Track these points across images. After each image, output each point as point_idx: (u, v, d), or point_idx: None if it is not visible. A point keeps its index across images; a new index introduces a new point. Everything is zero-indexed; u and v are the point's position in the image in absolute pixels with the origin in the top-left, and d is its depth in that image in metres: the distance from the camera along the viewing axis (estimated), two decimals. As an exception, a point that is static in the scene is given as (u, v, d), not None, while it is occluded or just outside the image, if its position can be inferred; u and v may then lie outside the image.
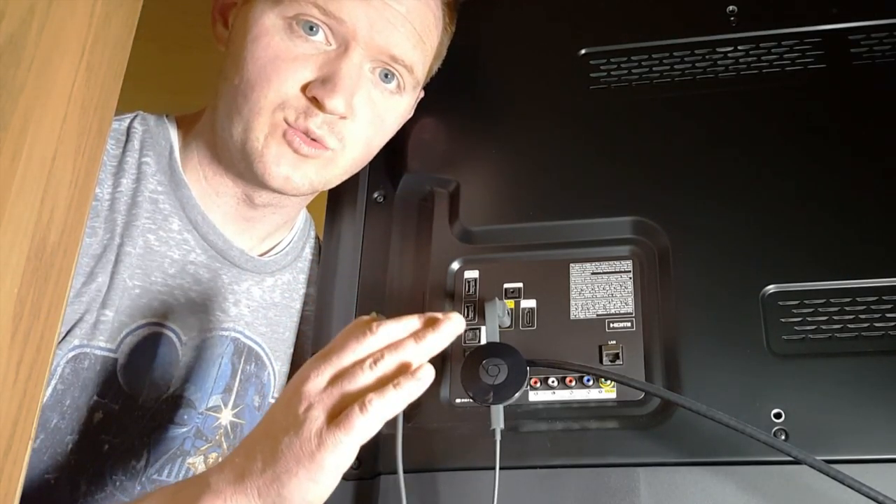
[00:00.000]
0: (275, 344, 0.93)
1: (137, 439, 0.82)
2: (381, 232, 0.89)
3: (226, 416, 0.88)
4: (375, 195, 0.91)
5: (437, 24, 0.86)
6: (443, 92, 0.94)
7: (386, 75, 0.82)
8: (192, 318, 0.84)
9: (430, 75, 0.90)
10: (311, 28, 0.78)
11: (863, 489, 0.64)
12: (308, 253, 0.98)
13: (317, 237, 1.01)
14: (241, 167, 0.83)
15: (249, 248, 0.90)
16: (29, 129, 0.58)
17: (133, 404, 0.80)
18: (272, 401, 0.92)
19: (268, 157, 0.79)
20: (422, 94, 0.91)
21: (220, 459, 0.86)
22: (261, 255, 0.91)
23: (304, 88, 0.78)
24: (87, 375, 0.77)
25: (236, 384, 0.88)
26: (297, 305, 0.95)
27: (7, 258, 0.55)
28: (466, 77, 0.94)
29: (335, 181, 0.86)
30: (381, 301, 0.86)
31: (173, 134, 0.87)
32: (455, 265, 0.84)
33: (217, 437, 0.88)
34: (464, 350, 0.80)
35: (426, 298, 0.84)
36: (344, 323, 0.86)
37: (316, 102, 0.78)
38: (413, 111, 0.90)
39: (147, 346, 0.81)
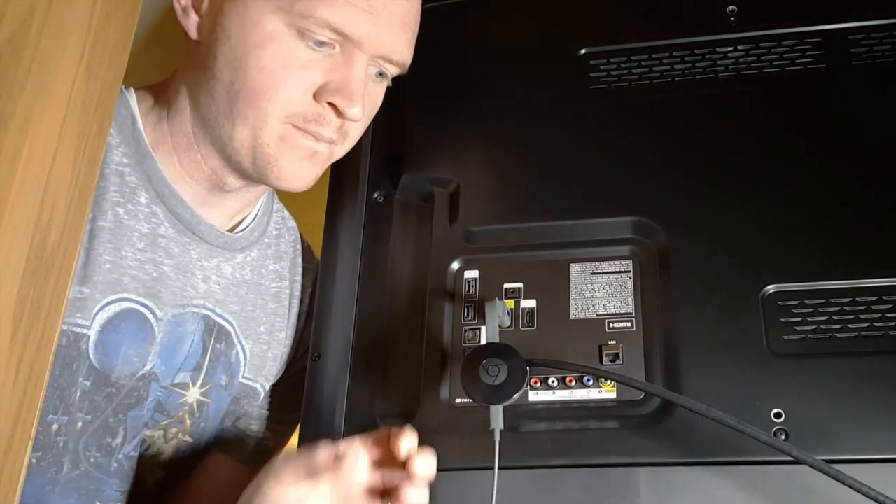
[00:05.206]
0: (244, 322, 0.92)
1: (112, 417, 0.81)
2: (381, 232, 0.89)
3: (193, 395, 0.88)
4: (375, 195, 0.91)
5: (419, 13, 0.87)
6: (443, 91, 0.94)
7: (381, 73, 0.85)
8: (166, 292, 0.83)
9: None
10: (322, 44, 0.79)
11: (863, 489, 0.64)
12: (272, 228, 0.97)
13: (282, 211, 1.00)
14: (247, 167, 0.83)
15: (218, 224, 0.90)
16: (29, 129, 0.58)
17: (105, 381, 0.79)
18: (242, 381, 0.92)
19: (283, 162, 0.81)
20: None
21: (179, 436, 0.88)
22: (229, 231, 0.91)
23: (315, 94, 0.80)
24: (66, 353, 0.77)
25: (206, 363, 0.88)
26: (266, 283, 0.95)
27: (7, 258, 0.55)
28: (467, 77, 0.94)
29: None
30: (382, 301, 0.86)
31: (133, 104, 0.86)
32: (455, 265, 0.84)
33: (180, 414, 0.87)
34: (464, 350, 0.80)
35: (426, 298, 0.84)
36: (343, 322, 0.86)
37: (334, 108, 0.80)
38: None
39: (119, 323, 0.80)
